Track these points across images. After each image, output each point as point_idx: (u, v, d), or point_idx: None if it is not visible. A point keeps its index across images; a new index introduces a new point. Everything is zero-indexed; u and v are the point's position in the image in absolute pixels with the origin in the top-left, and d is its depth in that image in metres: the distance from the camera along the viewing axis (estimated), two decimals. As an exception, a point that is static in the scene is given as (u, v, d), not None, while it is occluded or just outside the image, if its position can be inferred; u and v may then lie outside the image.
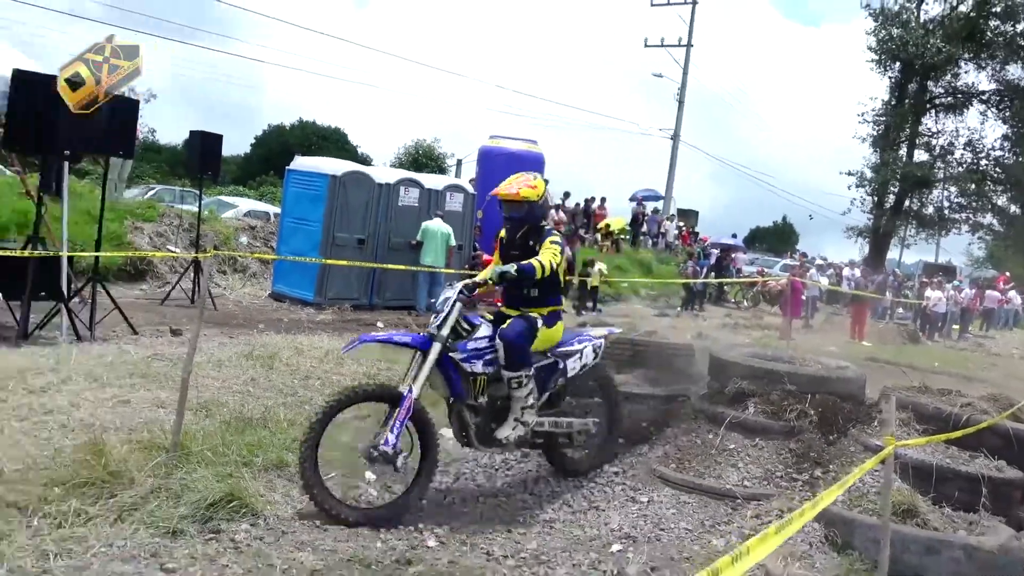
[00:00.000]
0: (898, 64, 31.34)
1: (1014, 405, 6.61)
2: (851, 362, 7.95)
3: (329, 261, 12.46)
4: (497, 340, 5.10)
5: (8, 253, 8.13)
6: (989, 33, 29.97)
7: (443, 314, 4.98)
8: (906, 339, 20.04)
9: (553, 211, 23.02)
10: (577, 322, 13.28)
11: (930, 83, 31.85)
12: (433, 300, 5.35)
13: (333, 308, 13.30)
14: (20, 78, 7.77)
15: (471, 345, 5.08)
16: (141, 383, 6.55)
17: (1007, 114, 31.08)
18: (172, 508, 4.24)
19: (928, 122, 32.55)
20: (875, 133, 32.28)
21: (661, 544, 4.87)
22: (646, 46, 34.82)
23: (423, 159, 38.69)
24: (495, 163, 16.34)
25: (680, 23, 34.28)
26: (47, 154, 8.59)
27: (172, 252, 14.48)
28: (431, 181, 15.67)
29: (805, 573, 4.49)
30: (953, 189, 32.45)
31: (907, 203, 32.81)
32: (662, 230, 30.74)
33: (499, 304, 5.64)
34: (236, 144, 47.05)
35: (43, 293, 8.48)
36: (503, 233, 5.57)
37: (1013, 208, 32.39)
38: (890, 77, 32.06)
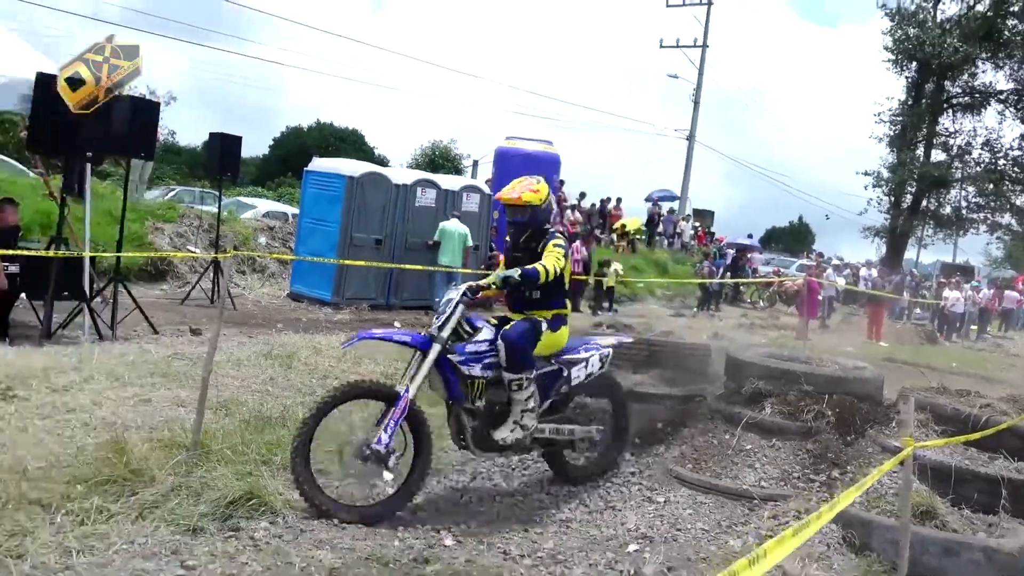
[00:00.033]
0: (915, 64, 31.07)
1: (1034, 406, 6.56)
2: (868, 363, 7.92)
3: (347, 262, 12.54)
4: (499, 341, 5.04)
5: (32, 253, 8.24)
6: (1007, 32, 29.66)
7: (445, 315, 4.94)
8: (924, 339, 19.91)
9: (569, 211, 23.08)
10: (593, 322, 13.31)
11: (947, 83, 31.55)
12: (438, 300, 5.30)
13: (351, 308, 13.38)
14: (44, 81, 7.85)
15: (470, 348, 5.02)
16: (162, 382, 6.62)
17: (1025, 113, 30.78)
18: (192, 506, 4.28)
19: (945, 122, 32.25)
20: (892, 133, 32.03)
21: (678, 544, 4.87)
22: (661, 47, 34.78)
23: (439, 160, 38.76)
24: (511, 164, 16.35)
25: (696, 24, 34.21)
26: (70, 156, 8.70)
27: (192, 252, 14.60)
28: (448, 182, 15.72)
29: (823, 574, 4.48)
30: (971, 189, 32.13)
31: (924, 203, 32.53)
32: (678, 230, 30.69)
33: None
34: (254, 146, 47.38)
35: (66, 293, 8.59)
36: (508, 237, 5.55)
37: (1031, 207, 32.08)
38: (907, 77, 31.80)
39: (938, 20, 31.03)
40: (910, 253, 38.16)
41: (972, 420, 6.02)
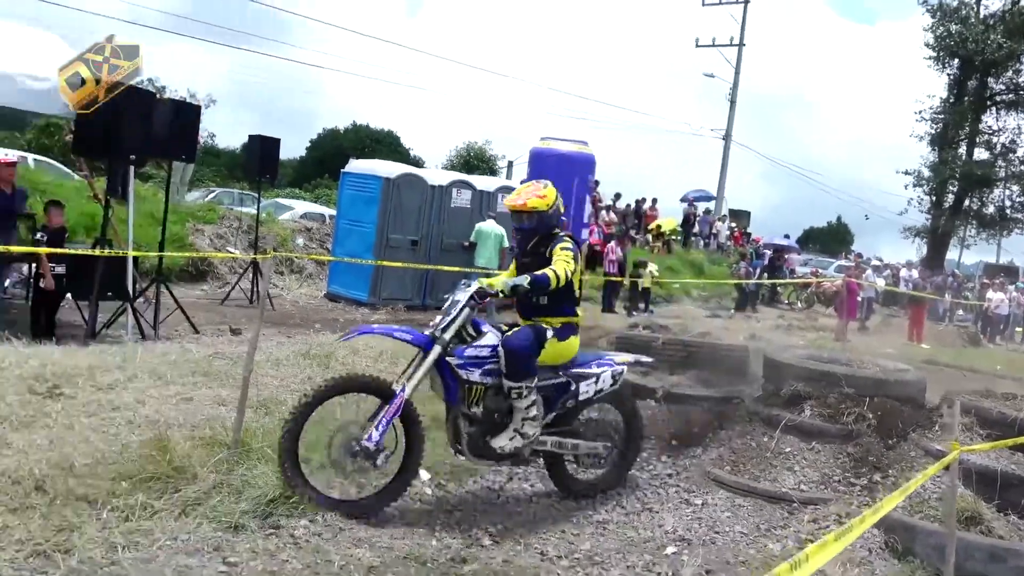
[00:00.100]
0: (957, 61, 30.60)
1: (1083, 411, 6.41)
2: (909, 365, 7.80)
3: (383, 263, 12.63)
4: (500, 347, 4.90)
5: (78, 252, 8.41)
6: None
7: (450, 317, 4.83)
8: (966, 342, 19.53)
9: (604, 212, 23.01)
10: (629, 323, 13.24)
11: (990, 79, 31.03)
12: (446, 296, 5.15)
13: (387, 308, 13.47)
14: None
15: (469, 352, 4.88)
16: (203, 381, 6.71)
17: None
18: (233, 503, 4.34)
19: (988, 119, 31.75)
20: (933, 131, 31.58)
21: (716, 547, 4.84)
22: (697, 46, 34.47)
23: (474, 161, 38.85)
24: (546, 164, 16.24)
25: (732, 22, 33.90)
26: (114, 159, 8.85)
27: (232, 253, 14.80)
28: (483, 183, 15.76)
29: (864, 579, 4.43)
30: (1015, 188, 31.60)
31: (967, 202, 32.02)
32: (714, 231, 30.43)
33: None
34: (292, 148, 47.89)
35: (110, 293, 8.76)
36: (516, 243, 5.42)
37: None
38: (948, 74, 31.34)
39: (981, 16, 30.53)
40: (952, 254, 37.59)
41: (1018, 424, 5.91)
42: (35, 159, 18.30)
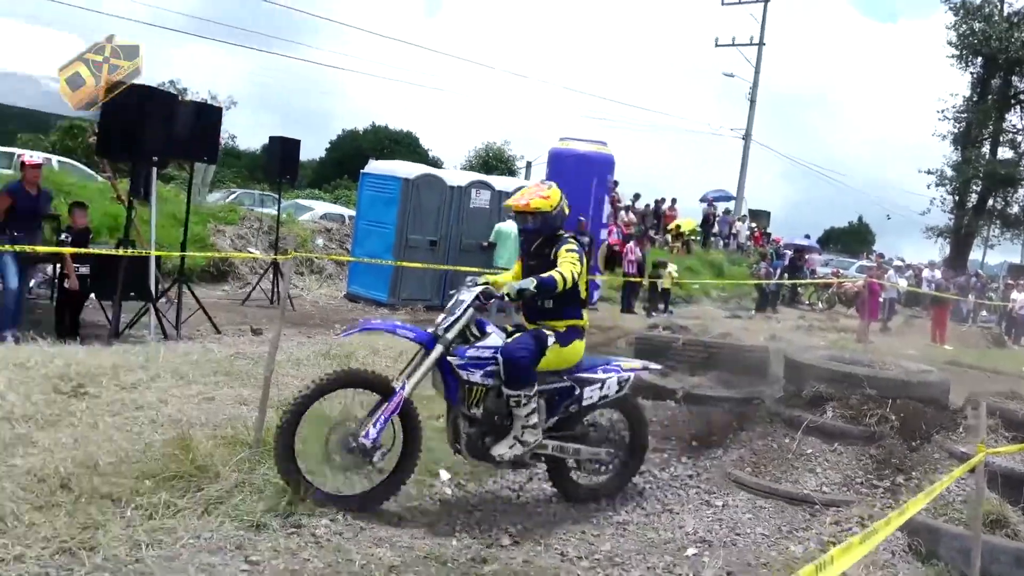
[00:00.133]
0: (980, 59, 30.33)
1: (1110, 413, 6.33)
2: (932, 366, 7.73)
3: (402, 263, 12.66)
4: (498, 355, 4.80)
5: (102, 252, 8.50)
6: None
7: (454, 316, 4.78)
8: (990, 343, 19.31)
9: (623, 212, 22.97)
10: (648, 323, 13.21)
11: (1014, 78, 30.70)
12: (452, 292, 5.11)
13: (406, 309, 13.49)
14: (112, 89, 8.10)
15: (471, 352, 4.80)
16: (225, 380, 6.75)
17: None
18: (255, 502, 4.37)
19: (1012, 118, 31.49)
20: (956, 130, 31.33)
21: (737, 549, 4.82)
22: (717, 46, 34.39)
23: (493, 161, 38.88)
24: (565, 164, 16.29)
25: (752, 22, 33.77)
26: (136, 160, 8.94)
27: (252, 254, 14.90)
28: (502, 183, 15.76)
29: (887, 582, 4.39)
30: (1041, 187, 31.24)
31: (990, 202, 31.73)
32: (733, 231, 30.31)
33: None
34: (311, 149, 48.09)
35: (132, 294, 8.84)
36: (520, 245, 5.33)
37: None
38: (972, 73, 31.10)
39: (1005, 14, 30.20)
40: (975, 254, 37.25)
41: (1045, 426, 5.84)
42: (59, 161, 18.54)
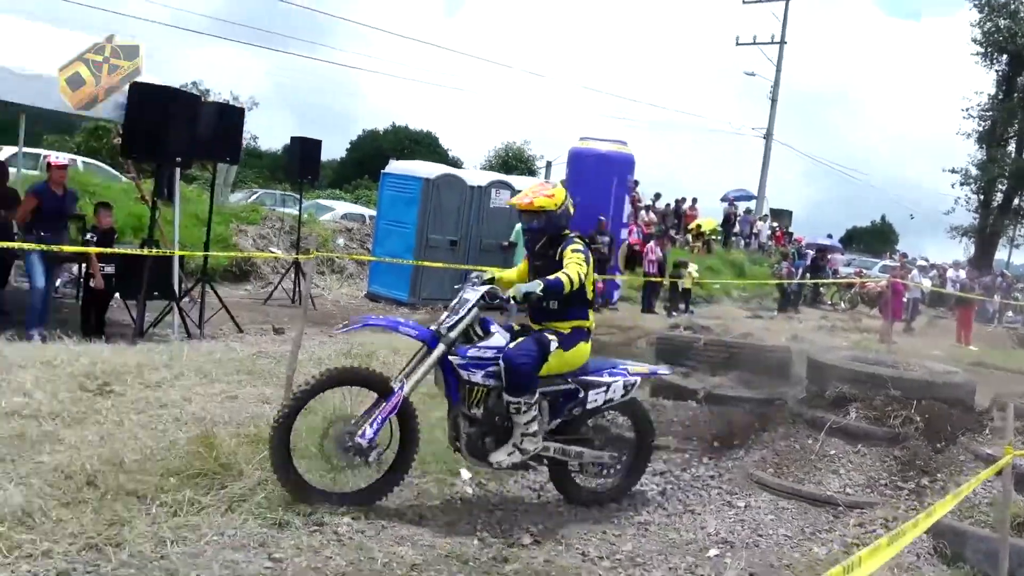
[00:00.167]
0: (1005, 56, 29.97)
1: None
2: (957, 367, 7.65)
3: (422, 263, 12.70)
4: (500, 360, 4.71)
5: (127, 252, 8.59)
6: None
7: (457, 316, 4.69)
8: (1016, 344, 19.09)
9: (644, 211, 22.90)
10: (669, 323, 13.17)
11: (1041, 75, 30.33)
12: (457, 286, 5.03)
13: (427, 308, 13.52)
14: (137, 90, 8.17)
15: (472, 352, 4.72)
16: (247, 379, 6.81)
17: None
18: (278, 500, 4.40)
19: (1039, 116, 30.98)
20: (981, 129, 30.98)
21: (759, 550, 4.79)
22: (738, 44, 34.18)
23: (513, 161, 38.93)
24: (585, 164, 16.28)
25: (773, 20, 33.52)
26: (160, 161, 9.02)
27: (274, 253, 15.01)
28: (522, 183, 15.77)
29: (912, 585, 4.35)
30: (1068, 186, 30.83)
31: (1016, 201, 31.32)
32: (754, 230, 30.12)
33: None
34: (332, 149, 48.38)
35: (156, 293, 8.92)
36: (525, 245, 5.26)
37: None
38: (997, 70, 30.74)
39: (1032, 10, 29.80)
40: (1001, 254, 36.76)
41: (1073, 428, 5.76)
42: (84, 162, 18.77)
